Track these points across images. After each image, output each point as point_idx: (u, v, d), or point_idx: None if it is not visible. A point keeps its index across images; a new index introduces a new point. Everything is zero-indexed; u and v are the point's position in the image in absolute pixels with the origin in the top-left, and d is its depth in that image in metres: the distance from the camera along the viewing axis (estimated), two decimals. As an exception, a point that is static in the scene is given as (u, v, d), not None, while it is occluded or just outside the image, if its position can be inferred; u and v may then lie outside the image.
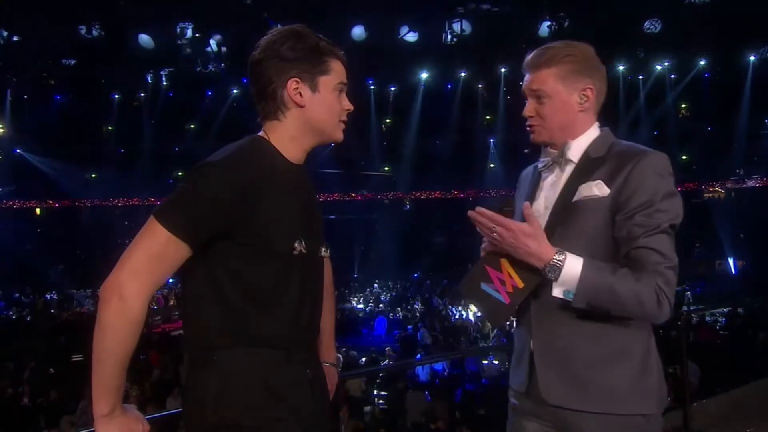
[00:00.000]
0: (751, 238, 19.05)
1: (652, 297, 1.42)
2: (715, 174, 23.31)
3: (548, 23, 17.91)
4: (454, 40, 19.45)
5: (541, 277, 1.51)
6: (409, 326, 14.54)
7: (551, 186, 1.65)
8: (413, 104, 23.32)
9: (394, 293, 21.11)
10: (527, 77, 1.64)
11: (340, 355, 9.55)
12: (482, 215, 1.51)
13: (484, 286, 1.60)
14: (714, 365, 8.68)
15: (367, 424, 7.25)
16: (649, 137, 22.59)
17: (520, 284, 1.54)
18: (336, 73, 1.51)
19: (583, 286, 1.41)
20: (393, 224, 24.93)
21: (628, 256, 1.47)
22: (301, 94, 1.47)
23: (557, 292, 1.45)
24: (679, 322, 3.42)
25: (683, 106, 23.90)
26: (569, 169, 1.62)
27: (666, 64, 21.19)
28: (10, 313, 17.22)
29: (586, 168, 1.58)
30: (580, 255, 1.47)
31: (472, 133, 23.31)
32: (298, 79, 1.46)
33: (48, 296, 20.06)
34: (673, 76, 21.78)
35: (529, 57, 1.64)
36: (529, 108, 1.65)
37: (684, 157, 24.75)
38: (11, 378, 9.01)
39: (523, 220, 1.51)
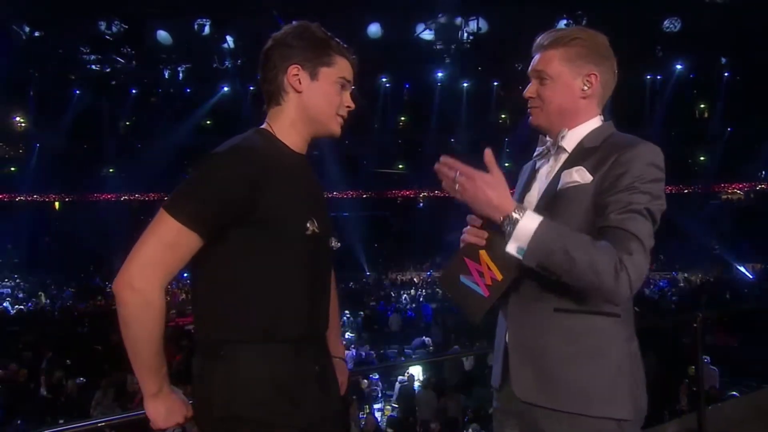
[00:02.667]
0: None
1: (609, 268, 1.32)
2: (734, 176, 22.97)
3: (565, 21, 17.78)
4: (471, 38, 19.40)
5: (518, 269, 1.46)
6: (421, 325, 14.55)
7: (545, 175, 1.61)
8: (428, 102, 23.28)
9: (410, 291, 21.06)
10: (534, 59, 1.60)
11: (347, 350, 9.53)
12: (446, 164, 1.44)
13: (463, 278, 1.55)
14: (731, 368, 8.58)
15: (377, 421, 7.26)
16: (666, 137, 22.34)
17: (499, 276, 1.50)
18: (339, 67, 1.53)
19: (536, 243, 1.35)
20: (406, 222, 24.89)
21: (600, 233, 1.40)
22: (300, 81, 1.50)
23: (511, 248, 1.39)
24: (695, 324, 3.35)
25: (702, 106, 23.59)
26: (563, 157, 1.57)
27: (685, 63, 20.94)
28: (29, 305, 17.42)
29: (579, 157, 1.52)
30: None
31: (487, 131, 23.22)
32: (299, 66, 1.49)
33: (65, 293, 20.16)
34: (692, 75, 21.51)
35: (538, 39, 1.60)
36: (531, 89, 1.60)
37: (702, 158, 24.43)
38: (29, 368, 9.13)
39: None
